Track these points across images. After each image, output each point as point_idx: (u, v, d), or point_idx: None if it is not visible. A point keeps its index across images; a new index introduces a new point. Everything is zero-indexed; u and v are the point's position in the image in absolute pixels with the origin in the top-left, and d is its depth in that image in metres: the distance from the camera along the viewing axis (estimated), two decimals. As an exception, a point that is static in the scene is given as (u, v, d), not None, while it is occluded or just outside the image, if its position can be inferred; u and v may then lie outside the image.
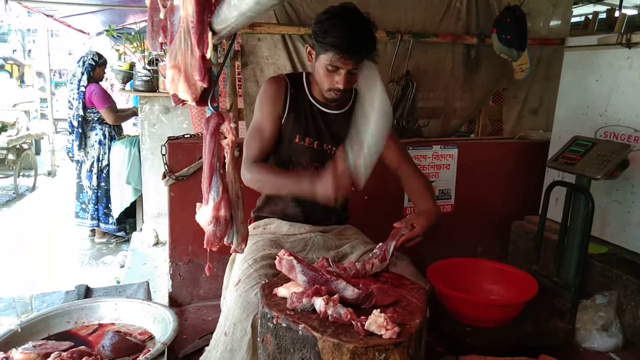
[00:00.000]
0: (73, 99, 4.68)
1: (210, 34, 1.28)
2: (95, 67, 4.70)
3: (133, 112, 5.08)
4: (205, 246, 1.46)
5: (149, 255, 4.00)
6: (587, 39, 2.85)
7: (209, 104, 1.46)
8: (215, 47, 1.59)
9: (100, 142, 4.76)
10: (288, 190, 1.82)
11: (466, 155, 3.15)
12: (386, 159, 2.02)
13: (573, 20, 4.04)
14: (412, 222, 1.81)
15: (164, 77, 3.16)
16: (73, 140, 4.74)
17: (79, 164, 4.82)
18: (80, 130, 4.69)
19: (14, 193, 6.84)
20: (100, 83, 4.84)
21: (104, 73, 4.88)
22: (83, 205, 4.88)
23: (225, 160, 1.46)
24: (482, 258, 3.20)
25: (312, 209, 2.03)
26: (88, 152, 4.76)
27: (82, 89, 4.63)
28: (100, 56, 4.77)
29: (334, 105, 1.96)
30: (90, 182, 4.80)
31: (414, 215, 1.86)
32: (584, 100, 2.85)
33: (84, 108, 4.67)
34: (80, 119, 4.67)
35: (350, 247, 1.98)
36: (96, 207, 4.85)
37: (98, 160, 4.77)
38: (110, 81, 6.82)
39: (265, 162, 1.95)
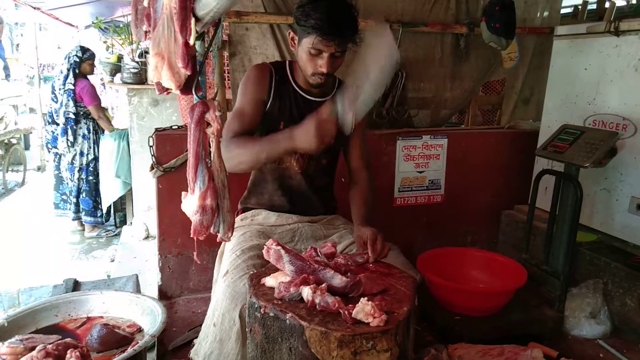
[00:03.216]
0: (60, 94, 4.63)
1: (193, 20, 1.26)
2: (80, 63, 4.65)
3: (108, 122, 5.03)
4: (192, 235, 1.45)
5: (140, 249, 3.99)
6: (576, 28, 2.85)
7: (194, 93, 1.44)
8: (202, 37, 1.58)
9: (84, 136, 4.73)
10: (269, 150, 1.71)
11: (456, 145, 3.16)
12: (351, 160, 2.09)
13: (563, 11, 4.04)
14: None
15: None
16: (53, 131, 4.73)
17: (58, 156, 4.80)
18: (72, 126, 4.67)
19: (2, 188, 6.76)
20: (90, 77, 4.80)
21: (93, 67, 4.81)
22: (64, 197, 4.86)
23: (211, 149, 1.45)
24: (472, 247, 3.22)
25: (299, 199, 2.03)
26: (71, 146, 4.73)
27: (70, 86, 4.59)
28: (85, 51, 4.70)
29: (317, 93, 1.95)
30: (72, 175, 4.76)
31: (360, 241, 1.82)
32: (573, 89, 2.85)
33: (75, 103, 4.64)
34: (71, 115, 4.64)
35: (339, 237, 1.98)
36: (77, 199, 4.82)
37: (82, 154, 4.74)
38: (100, 75, 6.75)
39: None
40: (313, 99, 1.96)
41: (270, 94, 1.92)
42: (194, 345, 1.97)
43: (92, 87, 4.70)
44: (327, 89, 1.98)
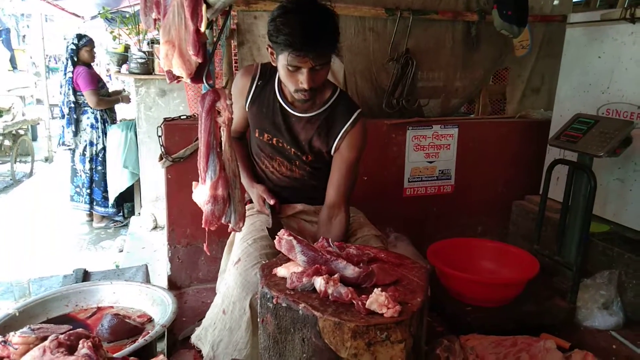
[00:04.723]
0: (63, 84, 4.63)
1: (204, 6, 1.24)
2: (78, 50, 4.60)
3: (117, 99, 5.00)
4: (203, 226, 1.44)
5: (148, 240, 4.00)
6: (590, 15, 2.80)
7: (205, 81, 1.42)
8: (210, 25, 1.56)
9: (92, 126, 4.71)
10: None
11: (466, 135, 3.12)
12: (327, 189, 1.90)
13: (575, -1, 3.99)
14: None
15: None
16: (64, 126, 4.70)
17: (72, 149, 4.80)
18: (74, 116, 4.65)
19: (11, 179, 6.79)
20: (92, 65, 4.76)
21: (92, 53, 4.72)
22: (77, 189, 4.87)
23: (222, 139, 1.43)
24: (482, 238, 3.19)
25: (297, 194, 1.99)
26: (81, 136, 4.72)
27: (69, 74, 4.56)
28: (80, 37, 4.62)
29: (302, 107, 1.83)
30: (83, 166, 4.77)
31: None
32: (586, 78, 2.81)
33: (74, 92, 4.62)
34: (72, 105, 4.63)
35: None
36: (89, 190, 4.83)
37: (91, 144, 4.73)
38: (107, 65, 6.75)
39: (236, 140, 2.02)
40: (292, 112, 1.84)
41: (248, 99, 1.89)
42: (192, 331, 1.97)
43: (88, 72, 4.60)
44: (317, 104, 1.84)
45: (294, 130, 1.85)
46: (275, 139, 1.88)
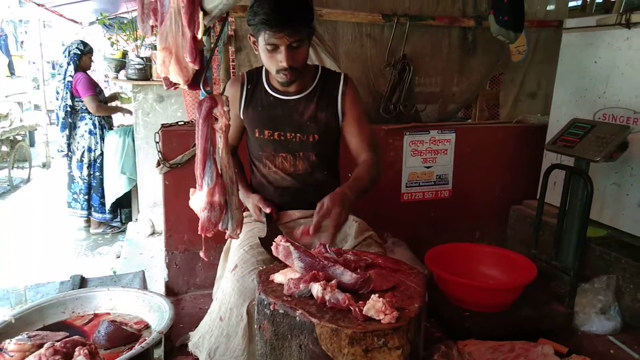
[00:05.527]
0: (61, 89, 4.64)
1: (201, 13, 1.24)
2: (81, 56, 4.63)
3: (118, 109, 5.02)
4: (199, 232, 1.44)
5: (145, 245, 3.99)
6: (586, 20, 2.82)
7: (202, 88, 1.43)
8: (207, 32, 1.56)
9: (90, 132, 4.71)
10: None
11: (464, 140, 3.13)
12: (351, 149, 1.99)
13: (571, 4, 4.00)
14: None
15: (157, 64, 3.11)
16: (60, 130, 4.72)
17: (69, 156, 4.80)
18: (70, 121, 4.66)
19: (8, 185, 6.78)
20: (88, 71, 4.78)
21: (91, 61, 4.80)
22: (75, 196, 4.86)
23: (219, 145, 1.43)
24: (480, 243, 3.19)
25: (298, 197, 1.99)
26: (78, 142, 4.72)
27: (69, 78, 4.58)
28: (85, 44, 4.70)
29: (293, 91, 1.91)
30: (80, 173, 4.77)
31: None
32: (582, 83, 2.82)
33: (72, 97, 4.63)
34: (68, 109, 4.64)
35: (344, 234, 1.95)
36: (87, 197, 4.82)
37: (90, 150, 4.73)
38: (105, 71, 6.76)
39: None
40: (288, 98, 1.92)
41: (241, 105, 1.96)
42: (189, 338, 1.96)
43: (88, 79, 4.65)
44: (306, 83, 1.93)
45: (294, 115, 1.92)
46: (276, 132, 1.93)
